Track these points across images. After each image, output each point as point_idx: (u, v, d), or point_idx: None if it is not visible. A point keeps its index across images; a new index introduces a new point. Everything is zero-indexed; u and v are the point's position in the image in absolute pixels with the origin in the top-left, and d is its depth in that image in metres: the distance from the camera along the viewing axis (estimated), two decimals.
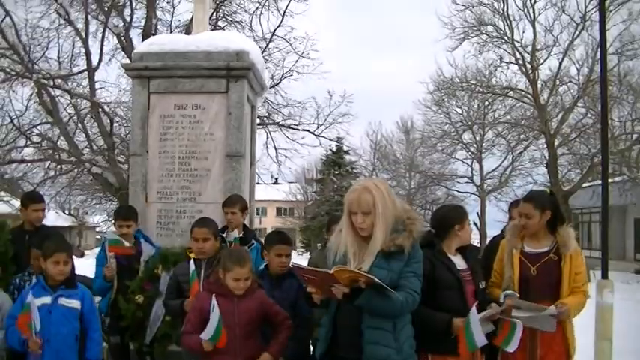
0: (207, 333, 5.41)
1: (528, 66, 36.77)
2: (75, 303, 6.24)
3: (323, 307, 5.29)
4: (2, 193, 34.92)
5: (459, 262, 5.91)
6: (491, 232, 36.56)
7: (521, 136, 40.81)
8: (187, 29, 22.80)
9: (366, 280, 4.81)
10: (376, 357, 4.97)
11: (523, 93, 38.01)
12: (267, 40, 25.84)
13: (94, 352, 6.30)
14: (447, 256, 5.84)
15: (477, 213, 48.94)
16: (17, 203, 27.31)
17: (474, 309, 5.33)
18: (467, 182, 50.11)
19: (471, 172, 49.23)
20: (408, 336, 5.17)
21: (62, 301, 6.19)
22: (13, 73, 24.22)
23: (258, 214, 76.83)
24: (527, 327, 5.90)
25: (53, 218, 48.01)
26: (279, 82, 26.60)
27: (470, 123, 43.46)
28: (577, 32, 35.16)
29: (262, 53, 20.02)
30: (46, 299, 6.16)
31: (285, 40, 26.22)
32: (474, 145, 46.79)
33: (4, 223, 8.49)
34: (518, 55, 36.93)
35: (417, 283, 5.08)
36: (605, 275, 11.38)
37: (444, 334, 5.50)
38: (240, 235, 8.04)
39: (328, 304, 5.25)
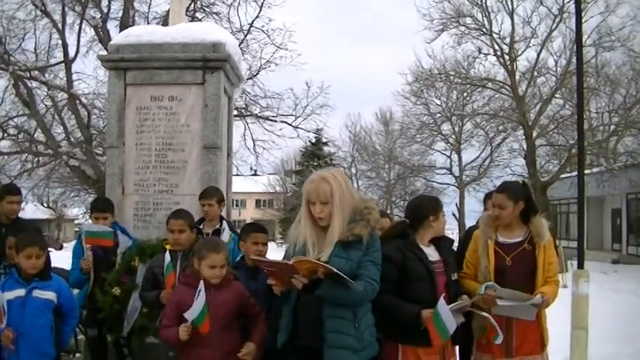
0: (191, 313, 5.38)
1: (507, 57, 37.00)
2: (50, 295, 6.21)
3: (283, 298, 5.31)
4: None
5: (432, 253, 5.88)
6: (470, 222, 36.74)
7: (500, 128, 41.14)
8: (165, 21, 22.72)
9: (325, 271, 4.83)
10: (337, 345, 5.00)
11: (501, 84, 38.23)
12: (245, 32, 25.84)
13: (64, 338, 6.39)
14: (419, 248, 5.81)
15: (456, 204, 49.26)
16: None
17: (441, 299, 5.33)
18: (446, 173, 50.55)
19: (450, 164, 49.66)
20: (369, 325, 5.20)
21: (36, 293, 6.15)
22: None
23: (237, 205, 76.80)
24: (505, 317, 5.93)
25: (31, 211, 47.77)
26: (257, 74, 26.65)
27: (449, 114, 43.73)
28: (555, 24, 35.46)
29: (240, 45, 20.00)
30: (20, 292, 6.11)
31: (263, 31, 26.26)
32: (453, 137, 47.13)
33: None
34: (496, 47, 37.17)
35: (375, 272, 5.11)
36: (581, 265, 11.45)
37: (413, 325, 5.50)
38: (217, 227, 8.05)
39: (289, 295, 5.26)
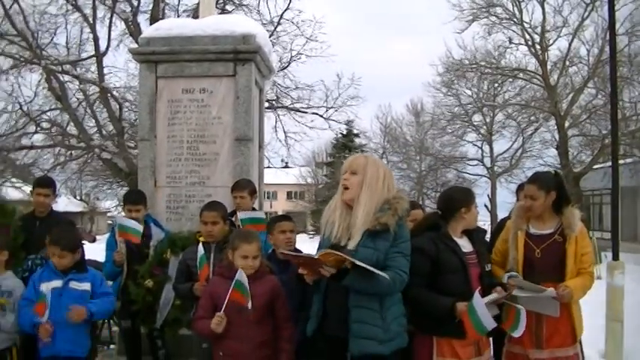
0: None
1: (538, 47, 36.68)
2: (85, 286, 6.28)
3: (315, 287, 5.31)
4: (14, 180, 35.07)
5: (465, 244, 5.83)
6: (502, 214, 36.52)
7: (532, 118, 40.81)
8: (195, 13, 22.75)
9: (351, 263, 4.82)
10: (362, 335, 4.98)
11: (533, 74, 37.93)
12: (275, 24, 25.83)
13: (103, 307, 6.40)
14: (452, 239, 5.77)
15: (488, 195, 48.99)
16: (28, 189, 27.53)
17: (477, 294, 5.28)
18: (477, 164, 50.26)
19: (482, 154, 49.34)
20: (396, 316, 5.16)
21: (73, 284, 6.23)
22: (22, 59, 24.35)
23: (268, 197, 76.86)
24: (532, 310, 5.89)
25: (64, 204, 48.22)
26: (288, 66, 26.61)
27: (480, 105, 43.45)
28: (587, 13, 35.03)
29: (270, 37, 20.00)
30: (57, 283, 6.19)
31: (293, 23, 26.22)
32: (484, 127, 46.83)
33: (13, 210, 8.49)
34: (527, 37, 36.85)
35: (404, 263, 5.08)
36: (616, 257, 11.32)
37: (447, 318, 5.47)
38: None
39: (319, 284, 5.26)
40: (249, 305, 5.39)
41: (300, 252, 5.92)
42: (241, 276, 5.42)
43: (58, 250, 6.23)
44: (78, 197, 59.78)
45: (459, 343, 5.56)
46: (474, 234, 5.97)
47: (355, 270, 4.86)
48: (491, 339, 6.12)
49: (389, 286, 4.96)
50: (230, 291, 5.39)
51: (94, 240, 45.19)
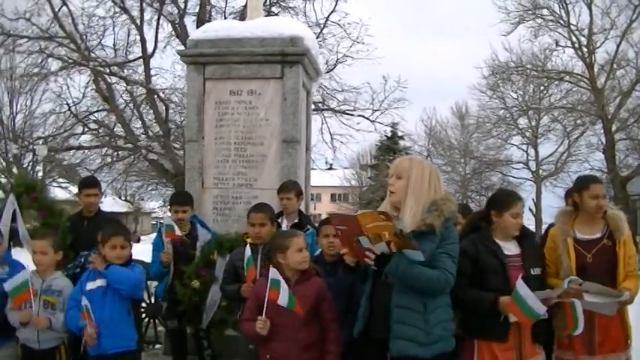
0: (282, 300, 5.40)
1: (585, 50, 36.30)
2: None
3: (360, 275, 5.31)
4: (60, 180, 35.53)
5: (510, 247, 5.77)
6: (547, 218, 36.21)
7: (578, 121, 40.36)
8: (241, 15, 22.90)
9: (389, 230, 4.78)
10: (402, 337, 4.96)
11: (579, 77, 37.54)
12: (321, 26, 25.83)
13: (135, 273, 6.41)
14: (493, 240, 5.73)
15: (533, 199, 48.49)
16: (75, 189, 27.91)
17: (519, 280, 5.21)
18: (522, 168, 49.75)
19: (527, 158, 48.85)
20: (441, 320, 5.09)
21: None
22: (71, 61, 24.62)
23: (312, 199, 76.70)
24: (586, 313, 5.80)
25: (110, 204, 48.64)
26: (334, 68, 26.61)
27: (525, 108, 43.07)
28: (635, 14, 34.63)
29: (316, 39, 20.01)
30: (102, 282, 6.26)
31: (339, 25, 26.20)
32: (530, 131, 46.41)
33: (62, 210, 8.59)
34: (574, 39, 36.49)
35: (450, 264, 5.03)
36: None
37: (491, 313, 5.41)
38: (296, 221, 8.07)
39: (365, 276, 5.26)
40: (284, 303, 5.39)
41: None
42: (275, 274, 5.44)
43: (121, 241, 6.31)
44: (123, 198, 60.27)
45: (500, 347, 5.53)
46: (523, 237, 5.88)
47: (397, 255, 4.86)
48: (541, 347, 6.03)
49: (432, 281, 4.92)
50: (267, 292, 5.41)
51: (138, 240, 45.52)
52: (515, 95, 43.81)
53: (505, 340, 5.50)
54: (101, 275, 6.27)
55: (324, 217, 7.87)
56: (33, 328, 6.34)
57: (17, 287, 6.32)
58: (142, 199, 58.63)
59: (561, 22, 36.66)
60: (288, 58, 9.10)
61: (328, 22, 25.99)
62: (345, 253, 5.25)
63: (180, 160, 22.28)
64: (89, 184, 8.62)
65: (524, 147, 48.89)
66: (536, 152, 48.14)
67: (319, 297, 5.68)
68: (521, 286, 5.18)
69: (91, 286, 6.27)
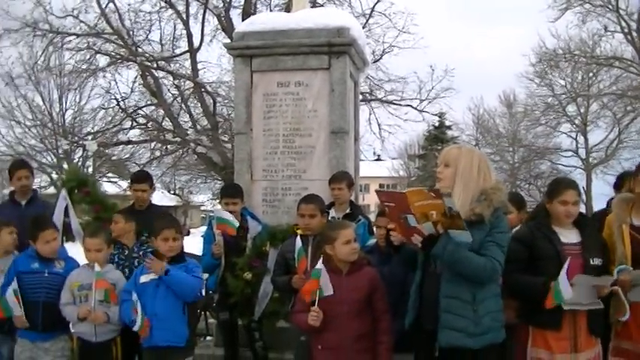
0: (327, 288, 5.42)
1: (634, 34, 35.64)
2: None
3: (409, 263, 5.34)
4: (110, 175, 35.90)
5: (570, 235, 5.71)
6: (598, 206, 35.74)
7: (628, 108, 39.76)
8: (287, 7, 22.87)
9: (437, 209, 4.76)
10: (450, 327, 4.94)
11: (629, 63, 36.92)
12: (367, 16, 25.74)
13: (192, 285, 6.42)
14: (549, 227, 5.69)
15: (583, 187, 47.89)
16: (124, 184, 28.19)
17: (565, 264, 5.16)
18: (572, 155, 49.12)
19: (576, 146, 48.23)
20: (491, 310, 5.05)
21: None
22: (118, 57, 24.85)
23: (360, 190, 76.63)
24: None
25: (158, 198, 49.02)
26: (380, 58, 26.52)
27: (574, 95, 42.56)
28: None
29: (362, 29, 19.96)
30: (155, 275, 6.28)
31: (384, 15, 26.09)
32: (579, 118, 45.86)
33: (114, 205, 8.69)
34: (623, 24, 35.85)
35: (498, 253, 4.98)
36: None
37: (542, 298, 5.34)
38: (347, 211, 8.08)
39: (413, 264, 5.28)
40: (325, 291, 5.40)
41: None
42: (319, 264, 5.46)
43: (172, 233, 6.37)
44: (172, 191, 60.73)
45: (554, 336, 5.49)
46: (584, 225, 5.80)
47: (444, 237, 4.83)
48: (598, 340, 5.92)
49: (478, 268, 4.89)
50: (309, 281, 5.43)
51: (187, 233, 45.87)
52: (563, 82, 43.31)
53: (558, 328, 5.45)
54: None
55: (373, 207, 7.86)
56: (90, 322, 6.41)
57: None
58: (191, 193, 58.97)
59: (610, 6, 36.06)
60: (334, 48, 9.06)
61: (374, 12, 25.92)
62: (392, 230, 5.20)
63: (229, 152, 22.39)
64: (139, 178, 8.69)
65: (573, 134, 48.38)
66: (586, 140, 47.55)
67: (372, 287, 5.67)
68: (563, 270, 5.13)
69: (144, 279, 6.32)
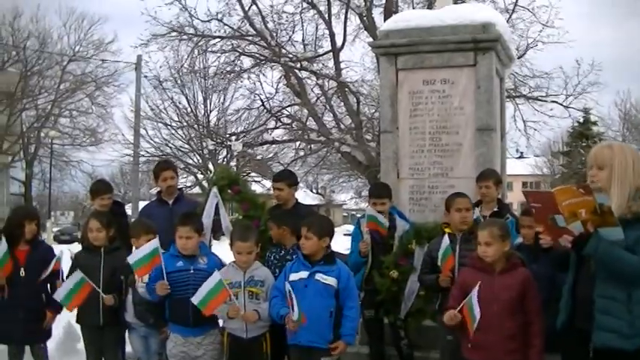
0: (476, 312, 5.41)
1: None
2: (331, 280, 6.37)
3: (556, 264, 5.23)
4: (253, 174, 36.63)
5: None
6: None
7: None
8: (429, 4, 22.78)
9: (587, 206, 4.57)
10: (604, 327, 4.76)
11: None
12: (510, 11, 25.31)
13: (347, 328, 6.35)
14: None
15: None
16: (268, 183, 28.72)
17: None
18: None
19: None
20: None
21: (318, 277, 6.36)
22: (262, 58, 25.27)
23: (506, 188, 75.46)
24: None
25: (301, 197, 49.60)
26: (524, 54, 26.00)
27: None
28: None
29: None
30: (304, 274, 6.39)
31: (528, 10, 25.56)
32: None
33: (263, 203, 8.84)
34: None
35: None
36: None
37: None
38: (495, 209, 7.99)
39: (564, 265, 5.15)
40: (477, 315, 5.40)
41: None
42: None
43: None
44: (314, 190, 61.47)
45: None
46: None
47: (595, 235, 4.63)
48: None
49: (633, 267, 4.66)
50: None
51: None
52: None
53: None
54: (305, 267, 6.41)
55: (517, 206, 7.73)
56: (240, 320, 6.56)
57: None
58: (333, 192, 59.59)
59: None
60: (480, 44, 8.98)
61: (517, 7, 25.44)
62: (541, 233, 5.08)
63: (372, 151, 22.42)
64: (276, 177, 8.80)
65: None
66: None
67: (524, 287, 5.62)
68: None
69: (293, 277, 6.41)
